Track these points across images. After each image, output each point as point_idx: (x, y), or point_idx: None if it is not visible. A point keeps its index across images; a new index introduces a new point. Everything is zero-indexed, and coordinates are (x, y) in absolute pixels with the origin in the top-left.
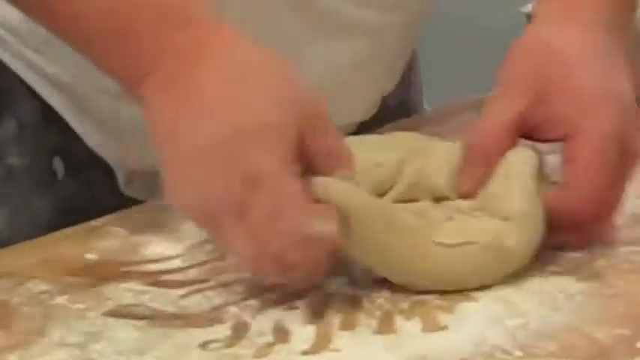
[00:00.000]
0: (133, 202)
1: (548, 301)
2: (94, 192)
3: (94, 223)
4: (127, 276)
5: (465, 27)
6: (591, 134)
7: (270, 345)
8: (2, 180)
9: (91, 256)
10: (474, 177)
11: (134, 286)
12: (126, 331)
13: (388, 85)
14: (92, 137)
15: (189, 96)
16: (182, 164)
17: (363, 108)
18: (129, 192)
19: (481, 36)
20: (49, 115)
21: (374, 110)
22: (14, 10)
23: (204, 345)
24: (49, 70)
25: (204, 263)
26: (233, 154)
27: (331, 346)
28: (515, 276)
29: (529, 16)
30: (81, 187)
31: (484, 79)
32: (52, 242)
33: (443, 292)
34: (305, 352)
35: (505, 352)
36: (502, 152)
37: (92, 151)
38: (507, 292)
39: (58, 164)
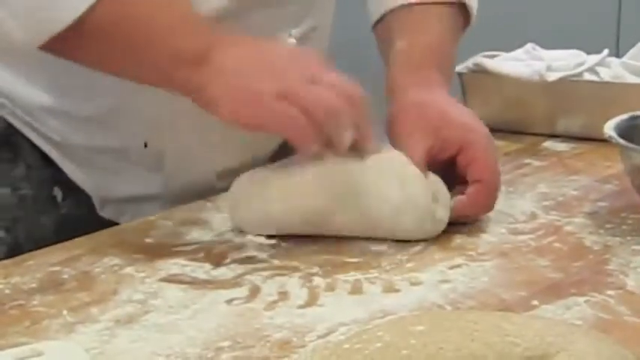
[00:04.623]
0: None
1: (470, 273)
2: (86, 209)
3: (150, 218)
4: (174, 254)
5: None
6: (480, 140)
7: (276, 302)
8: (17, 205)
9: (149, 240)
10: None
11: (179, 260)
12: (174, 292)
13: None
14: (74, 175)
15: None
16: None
17: None
18: (103, 214)
19: None
20: (46, 159)
21: None
22: (24, 91)
23: (229, 301)
24: (44, 131)
25: (227, 245)
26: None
27: (318, 303)
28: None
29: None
30: (76, 206)
31: None
32: (121, 230)
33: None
34: (300, 307)
35: (440, 306)
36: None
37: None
38: (443, 269)
39: (57, 192)
